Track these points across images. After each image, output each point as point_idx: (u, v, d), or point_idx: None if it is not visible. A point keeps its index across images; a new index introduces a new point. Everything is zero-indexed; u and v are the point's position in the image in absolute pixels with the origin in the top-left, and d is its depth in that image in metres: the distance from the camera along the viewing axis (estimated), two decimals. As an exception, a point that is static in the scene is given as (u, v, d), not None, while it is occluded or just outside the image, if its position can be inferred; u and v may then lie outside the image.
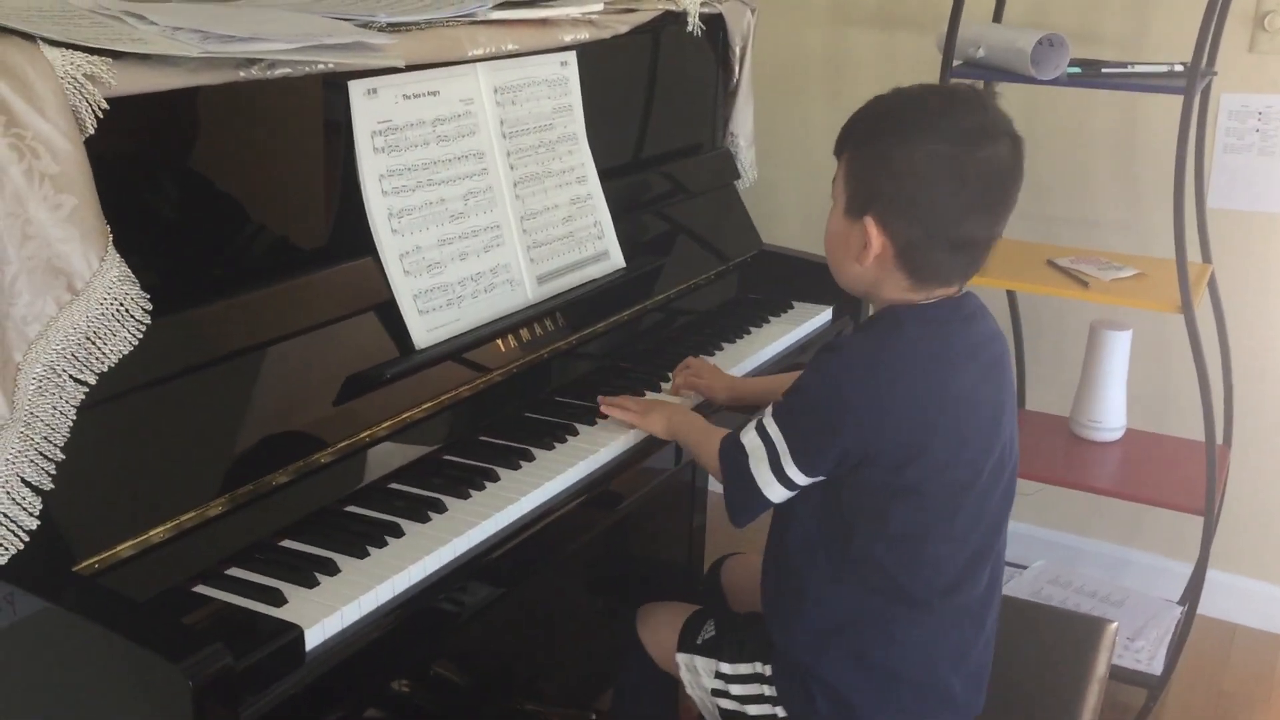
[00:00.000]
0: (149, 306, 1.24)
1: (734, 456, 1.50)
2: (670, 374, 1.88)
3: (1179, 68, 2.31)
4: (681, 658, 1.67)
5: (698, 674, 1.65)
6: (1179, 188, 2.25)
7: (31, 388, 1.17)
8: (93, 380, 1.21)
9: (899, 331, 1.44)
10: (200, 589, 1.27)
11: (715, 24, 2.26)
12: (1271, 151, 2.57)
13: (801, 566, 1.52)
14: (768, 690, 1.58)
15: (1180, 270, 2.28)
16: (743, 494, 1.49)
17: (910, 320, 1.45)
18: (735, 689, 1.62)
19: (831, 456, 1.43)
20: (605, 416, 1.72)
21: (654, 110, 2.20)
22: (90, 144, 1.19)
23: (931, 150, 1.38)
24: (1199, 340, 2.31)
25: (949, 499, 1.44)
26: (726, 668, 1.63)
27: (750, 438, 1.49)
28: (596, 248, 1.95)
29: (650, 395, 1.83)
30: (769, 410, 1.49)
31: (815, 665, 1.51)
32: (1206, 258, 2.54)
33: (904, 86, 1.46)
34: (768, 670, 1.59)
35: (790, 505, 1.51)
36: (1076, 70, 2.36)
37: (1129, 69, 2.36)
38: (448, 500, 1.48)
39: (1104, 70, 2.37)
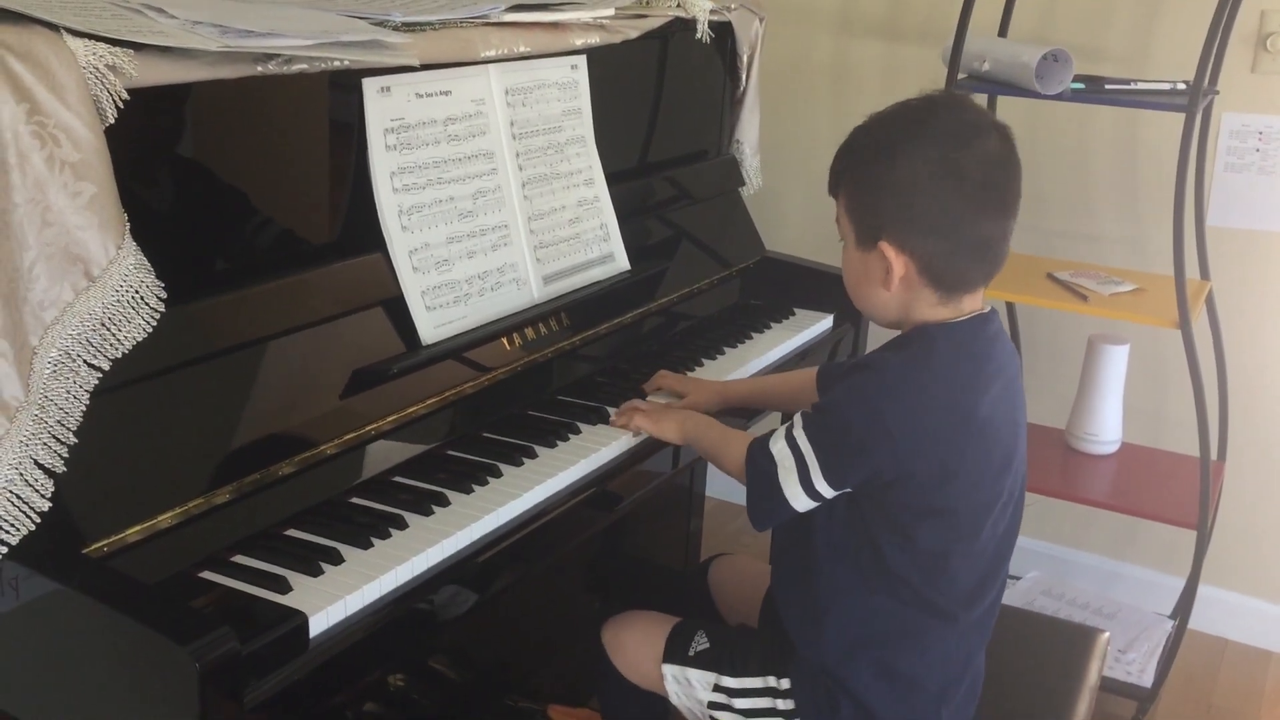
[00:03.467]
0: (163, 295, 1.26)
1: (762, 465, 1.48)
2: (644, 387, 1.86)
3: (1181, 86, 2.33)
4: (671, 669, 1.64)
5: (690, 686, 1.62)
6: (1179, 205, 2.27)
7: (47, 372, 1.19)
8: (106, 366, 1.23)
9: (934, 353, 1.43)
10: (206, 575, 1.29)
11: (724, 32, 2.28)
12: (1272, 171, 2.59)
13: (830, 576, 1.50)
14: (782, 704, 1.56)
15: (1179, 286, 2.30)
16: (768, 502, 1.48)
17: (944, 341, 1.43)
18: (740, 703, 1.58)
19: (863, 473, 1.42)
20: (608, 418, 1.73)
21: (661, 115, 2.22)
22: (110, 133, 1.21)
23: (924, 157, 1.38)
24: (1196, 356, 2.33)
25: (975, 516, 1.44)
26: (730, 681, 1.59)
27: (780, 447, 1.47)
28: (602, 250, 1.97)
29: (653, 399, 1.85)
30: (799, 421, 1.47)
31: (843, 675, 1.50)
32: (1205, 275, 2.56)
33: (878, 111, 1.46)
34: (783, 684, 1.56)
35: (813, 514, 1.48)
36: (1080, 86, 2.38)
37: (1132, 86, 2.38)
38: (451, 494, 1.50)
39: (1107, 86, 2.39)
